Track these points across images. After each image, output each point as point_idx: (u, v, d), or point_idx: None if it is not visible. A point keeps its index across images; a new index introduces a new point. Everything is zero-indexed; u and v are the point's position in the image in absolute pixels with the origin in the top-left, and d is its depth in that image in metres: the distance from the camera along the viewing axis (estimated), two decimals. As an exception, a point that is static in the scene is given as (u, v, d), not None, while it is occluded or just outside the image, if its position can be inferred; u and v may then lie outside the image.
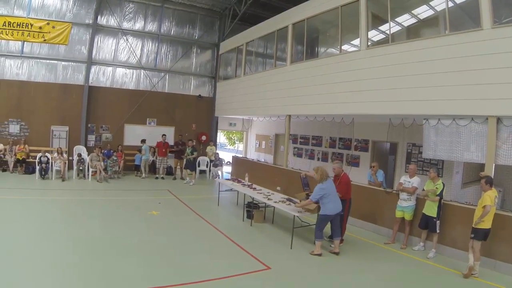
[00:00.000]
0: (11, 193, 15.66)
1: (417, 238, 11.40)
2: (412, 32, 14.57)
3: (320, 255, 10.27)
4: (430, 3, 13.29)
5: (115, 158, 21.13)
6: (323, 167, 10.69)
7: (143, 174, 22.29)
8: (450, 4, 11.64)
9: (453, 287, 8.77)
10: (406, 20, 14.58)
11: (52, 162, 19.53)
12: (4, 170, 20.31)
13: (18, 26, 20.61)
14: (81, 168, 20.29)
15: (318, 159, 21.77)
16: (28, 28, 20.77)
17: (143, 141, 22.52)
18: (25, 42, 21.18)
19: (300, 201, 11.59)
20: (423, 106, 11.78)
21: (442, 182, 10.71)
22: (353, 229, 12.88)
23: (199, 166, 23.43)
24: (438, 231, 10.53)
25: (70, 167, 20.75)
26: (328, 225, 10.72)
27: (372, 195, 13.19)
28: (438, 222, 10.51)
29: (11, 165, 20.22)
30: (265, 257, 9.80)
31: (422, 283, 8.92)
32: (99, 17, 22.66)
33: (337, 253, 10.50)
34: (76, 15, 22.09)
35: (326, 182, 10.36)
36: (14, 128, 21.33)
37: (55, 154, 19.73)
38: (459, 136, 11.37)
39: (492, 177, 9.71)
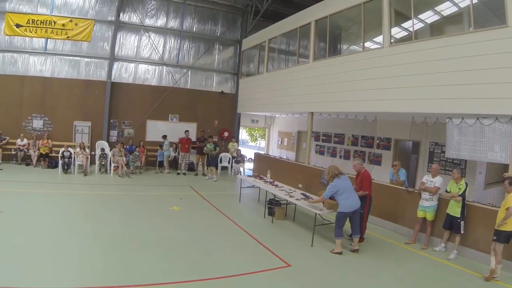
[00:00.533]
0: (34, 187, 15.83)
1: (438, 239, 11.24)
2: (435, 29, 14.42)
3: (340, 253, 10.23)
4: (454, -1, 13.16)
5: (137, 154, 21.27)
6: (333, 166, 10.70)
7: (166, 170, 22.47)
8: (474, 0, 11.48)
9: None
10: (429, 17, 14.44)
11: (74, 157, 19.70)
12: (27, 164, 20.61)
13: (42, 24, 20.93)
14: (103, 163, 20.44)
15: (340, 156, 21.67)
16: (51, 25, 21.08)
17: (164, 136, 22.61)
18: (49, 39, 21.48)
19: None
20: (446, 104, 11.61)
21: (465, 182, 10.54)
22: (374, 228, 12.80)
23: (221, 162, 23.52)
24: (462, 232, 10.37)
25: (92, 162, 21.04)
26: (348, 224, 10.65)
27: (393, 194, 13.07)
28: (462, 222, 10.35)
29: (34, 160, 20.48)
30: (286, 255, 9.80)
31: (442, 285, 8.82)
32: (121, 14, 22.83)
33: (356, 251, 10.48)
34: (99, 12, 22.32)
35: (337, 180, 10.32)
36: (37, 123, 21.63)
37: (78, 149, 19.96)
38: (483, 135, 11.23)
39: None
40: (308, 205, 11.38)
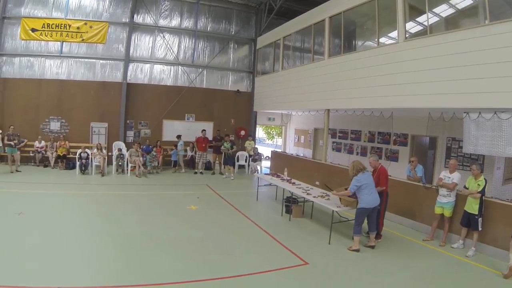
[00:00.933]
0: (53, 188, 16.02)
1: (456, 236, 11.14)
2: (450, 23, 14.29)
3: (358, 250, 10.23)
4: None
5: (154, 154, 21.36)
6: (357, 161, 10.67)
7: (182, 169, 22.57)
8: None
9: None
10: (444, 10, 14.29)
11: (91, 158, 19.93)
12: (45, 166, 20.79)
13: (57, 27, 21.14)
14: (120, 163, 20.58)
15: (357, 153, 21.62)
16: (66, 28, 21.27)
17: (179, 136, 22.80)
18: (64, 42, 21.69)
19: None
20: (463, 99, 11.48)
21: (485, 179, 10.42)
22: (391, 225, 12.73)
23: (238, 161, 23.57)
24: (480, 229, 10.25)
25: (109, 163, 21.14)
26: (365, 221, 10.61)
27: (411, 191, 12.97)
28: (480, 219, 10.23)
29: (52, 161, 20.69)
30: (303, 252, 9.81)
31: (460, 282, 8.75)
32: (135, 16, 22.93)
33: (372, 247, 10.49)
34: (113, 15, 22.48)
35: (361, 175, 10.30)
36: (54, 125, 21.85)
37: (95, 150, 20.10)
38: (501, 130, 11.10)
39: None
40: (330, 204, 11.32)
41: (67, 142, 21.33)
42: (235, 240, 10.74)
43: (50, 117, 21.76)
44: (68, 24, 21.27)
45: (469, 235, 10.69)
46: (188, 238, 10.52)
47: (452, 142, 16.00)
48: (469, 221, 10.48)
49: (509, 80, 10.22)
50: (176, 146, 22.68)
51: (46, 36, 21.00)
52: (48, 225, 10.75)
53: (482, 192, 10.25)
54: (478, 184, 10.35)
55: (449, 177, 11.15)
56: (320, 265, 9.19)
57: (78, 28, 21.44)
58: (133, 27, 22.93)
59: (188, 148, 23.45)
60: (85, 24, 21.59)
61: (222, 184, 19.68)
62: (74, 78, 22.05)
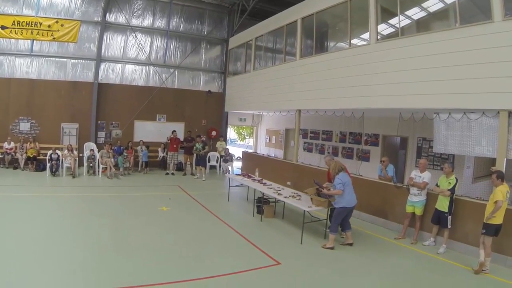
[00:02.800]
0: (22, 191, 15.79)
1: (427, 234, 11.32)
2: (422, 26, 14.50)
3: (332, 248, 10.33)
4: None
5: (125, 155, 21.23)
6: (339, 161, 10.91)
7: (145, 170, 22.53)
8: (460, -4, 11.58)
9: (464, 283, 8.72)
10: (416, 13, 14.51)
11: (62, 159, 19.65)
12: (15, 168, 20.43)
13: (27, 25, 20.71)
14: (91, 165, 20.38)
15: (329, 153, 21.69)
16: (37, 26, 20.88)
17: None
18: (35, 41, 21.30)
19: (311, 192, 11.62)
20: (433, 100, 11.70)
21: (456, 178, 10.63)
22: (364, 224, 12.87)
23: (209, 161, 23.56)
24: (449, 226, 10.47)
25: (81, 164, 20.91)
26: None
27: (382, 190, 13.12)
28: (449, 217, 10.44)
29: (22, 163, 20.33)
30: (276, 253, 9.82)
31: (432, 279, 8.86)
32: (107, 15, 22.72)
33: (351, 244, 10.63)
34: (85, 13, 22.17)
35: (342, 174, 10.47)
36: (24, 126, 21.46)
37: (66, 151, 19.86)
38: (470, 130, 11.30)
39: (504, 172, 9.64)
40: (301, 204, 11.37)
41: (37, 143, 21.02)
42: (207, 241, 10.71)
43: (20, 117, 21.37)
44: (39, 22, 20.90)
45: (440, 232, 10.87)
46: (160, 240, 10.47)
47: (422, 142, 16.17)
48: (439, 219, 10.69)
49: (477, 82, 10.49)
50: (147, 147, 22.63)
51: (16, 34, 20.60)
52: (16, 229, 10.54)
53: (452, 190, 10.45)
54: (449, 183, 10.55)
55: (420, 176, 11.34)
56: (293, 265, 9.23)
57: (49, 26, 21.08)
58: (105, 26, 22.71)
59: (159, 149, 23.39)
60: (57, 22, 21.24)
61: (193, 185, 19.65)
62: (45, 78, 21.73)
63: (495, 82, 10.09)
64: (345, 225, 10.76)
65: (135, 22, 23.72)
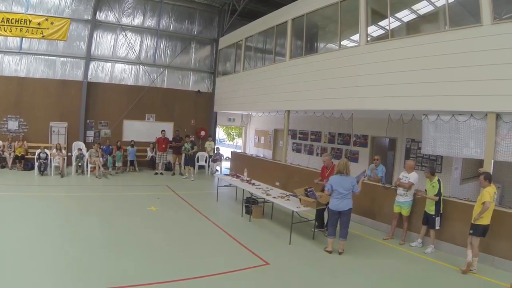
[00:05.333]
0: (10, 190, 15.72)
1: (415, 234, 11.42)
2: (411, 28, 14.57)
3: (330, 252, 10.31)
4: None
5: (119, 154, 21.46)
6: (345, 161, 10.60)
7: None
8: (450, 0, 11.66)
9: (451, 283, 8.80)
10: (406, 15, 14.57)
11: (51, 158, 19.56)
12: (3, 167, 20.28)
13: (17, 22, 20.54)
14: (80, 164, 20.26)
15: (317, 154, 21.78)
16: (26, 24, 20.71)
17: (132, 145, 22.67)
18: (24, 38, 21.14)
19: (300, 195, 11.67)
20: (422, 101, 11.79)
21: (438, 180, 10.74)
22: (352, 225, 12.80)
23: (198, 161, 23.53)
24: (437, 227, 10.57)
25: (69, 163, 20.80)
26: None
27: (371, 191, 13.15)
28: (437, 218, 10.54)
29: (10, 162, 20.18)
30: (264, 253, 9.83)
31: (420, 279, 8.95)
32: (97, 13, 22.60)
33: (330, 252, 10.38)
34: (75, 11, 22.02)
35: (334, 176, 10.45)
36: (12, 125, 21.31)
37: (54, 150, 19.78)
38: (458, 132, 11.39)
39: (491, 173, 9.73)
40: (290, 204, 11.41)
41: (25, 142, 20.88)
42: (196, 242, 10.71)
43: (8, 116, 21.22)
44: (29, 20, 20.73)
45: (428, 233, 10.94)
46: (148, 240, 10.44)
47: (411, 143, 16.28)
48: (427, 220, 10.80)
49: (466, 84, 10.60)
50: (133, 146, 22.58)
51: (5, 31, 20.43)
52: (3, 229, 10.44)
53: (438, 194, 10.56)
54: (432, 186, 10.69)
55: (407, 177, 11.46)
56: (281, 265, 9.27)
57: (38, 24, 20.93)
58: (95, 25, 22.58)
59: (148, 149, 23.39)
60: (46, 20, 21.09)
61: (182, 184, 19.66)
62: (34, 76, 21.57)
63: (484, 84, 10.20)
64: (340, 231, 10.40)
65: (125, 21, 23.65)
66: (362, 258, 10.15)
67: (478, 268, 9.22)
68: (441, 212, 10.62)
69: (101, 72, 23.44)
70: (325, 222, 11.70)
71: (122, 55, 23.96)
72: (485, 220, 9.05)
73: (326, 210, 11.26)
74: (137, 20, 24.09)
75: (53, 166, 19.52)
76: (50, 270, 7.86)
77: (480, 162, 11.31)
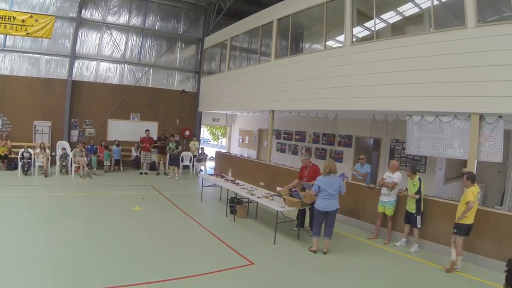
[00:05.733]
0: (-7, 189, 15.53)
1: (400, 233, 11.54)
2: (397, 29, 14.67)
3: (314, 252, 10.37)
4: (416, 0, 13.38)
5: (108, 153, 21.54)
6: (332, 162, 10.67)
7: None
8: (435, 2, 11.77)
9: (436, 282, 8.88)
10: (391, 17, 14.66)
11: (34, 158, 19.34)
12: (-15, 167, 20.06)
13: (0, 19, 20.20)
14: (64, 163, 20.10)
15: (305, 153, 21.77)
16: (10, 21, 20.38)
17: (117, 145, 22.68)
18: (8, 36, 20.86)
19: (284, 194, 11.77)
20: (406, 102, 11.88)
21: (419, 178, 10.86)
22: (337, 224, 12.81)
23: (182, 161, 23.47)
24: (419, 226, 10.70)
25: (53, 163, 20.70)
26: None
27: (355, 191, 13.22)
28: (418, 217, 10.67)
29: (-8, 161, 19.95)
30: (249, 253, 9.86)
31: (405, 278, 9.03)
32: (83, 11, 22.45)
33: (315, 251, 10.45)
34: (60, 8, 21.82)
35: (322, 177, 10.47)
36: (-5, 124, 21.09)
37: (38, 150, 19.55)
38: (442, 132, 11.51)
39: (475, 173, 9.84)
40: (274, 204, 11.46)
41: (8, 141, 20.62)
42: (181, 242, 10.71)
43: (-9, 114, 21.08)
44: (13, 16, 20.41)
45: (412, 232, 11.08)
46: (133, 240, 10.39)
47: (395, 144, 16.37)
48: (409, 219, 10.93)
49: (450, 86, 10.73)
50: (118, 145, 22.57)
51: (-11, 28, 20.30)
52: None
53: (418, 192, 10.69)
54: (413, 184, 10.82)
55: (391, 177, 11.57)
56: (266, 265, 9.28)
57: (23, 21, 20.59)
58: (80, 23, 22.44)
59: (133, 148, 23.34)
60: (31, 17, 20.76)
61: (166, 184, 19.61)
62: (17, 74, 21.33)
63: (467, 86, 10.32)
64: (324, 230, 10.50)
65: (110, 19, 23.53)
66: (346, 257, 10.21)
67: (462, 267, 9.34)
68: (422, 210, 10.75)
69: (85, 71, 23.26)
70: (306, 222, 12.00)
71: (107, 53, 23.82)
72: (469, 220, 9.16)
73: (307, 210, 11.39)
74: (123, 19, 23.99)
75: (37, 165, 19.29)
76: (34, 271, 7.77)
77: (463, 162, 11.42)
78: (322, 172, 10.55)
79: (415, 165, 13.35)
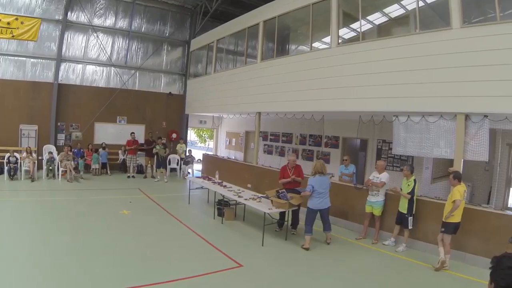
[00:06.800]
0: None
1: (388, 233, 11.61)
2: (383, 31, 14.77)
3: (307, 249, 10.56)
4: (401, 2, 13.47)
5: (96, 156, 21.44)
6: (321, 162, 11.16)
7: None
8: (421, 3, 11.87)
9: (424, 280, 8.95)
10: (377, 18, 14.77)
11: (21, 162, 19.14)
12: (-29, 171, 19.85)
13: (-15, 22, 20.15)
14: (50, 168, 19.94)
15: (292, 153, 21.83)
16: (-5, 23, 20.32)
17: (104, 148, 22.61)
18: (-8, 38, 20.73)
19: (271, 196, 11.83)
20: (393, 103, 11.94)
21: (414, 179, 10.91)
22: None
23: (169, 164, 23.40)
24: (410, 227, 10.76)
25: (40, 167, 20.49)
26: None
27: (343, 192, 13.28)
28: (410, 218, 10.73)
29: (-22, 166, 19.73)
30: (237, 255, 9.84)
31: (393, 277, 9.10)
32: (69, 13, 22.26)
33: (328, 243, 11.09)
34: (46, 11, 21.61)
35: (315, 177, 10.82)
36: (-20, 128, 20.84)
37: (24, 154, 19.36)
38: (429, 132, 11.62)
39: (461, 172, 9.93)
40: (262, 206, 11.51)
41: (-6, 145, 20.50)
42: (169, 245, 10.69)
43: (-24, 118, 20.85)
44: (-2, 19, 20.39)
45: (401, 232, 11.14)
46: (120, 244, 10.35)
47: (382, 144, 16.48)
48: (401, 220, 10.99)
49: (436, 86, 10.83)
50: (104, 148, 22.55)
51: (-27, 31, 20.09)
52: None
53: (412, 193, 10.73)
54: (408, 184, 10.87)
55: (378, 177, 11.65)
56: (255, 267, 9.29)
57: (8, 23, 20.41)
58: (66, 25, 22.27)
59: (120, 152, 23.23)
60: (16, 19, 20.57)
61: (154, 187, 19.56)
62: (3, 77, 21.07)
63: (453, 86, 10.43)
64: (324, 225, 11.16)
65: (97, 21, 23.38)
66: (335, 258, 10.26)
67: (450, 265, 9.42)
68: (414, 212, 10.79)
69: (72, 74, 23.10)
70: (285, 222, 12.20)
71: (94, 56, 23.67)
72: (456, 218, 9.28)
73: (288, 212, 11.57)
74: (109, 21, 23.86)
75: (23, 170, 19.09)
76: (19, 276, 7.73)
77: (450, 162, 11.50)
78: (314, 173, 10.85)
79: (413, 165, 13.48)
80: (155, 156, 21.40)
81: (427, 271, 9.38)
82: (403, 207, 10.88)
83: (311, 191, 10.66)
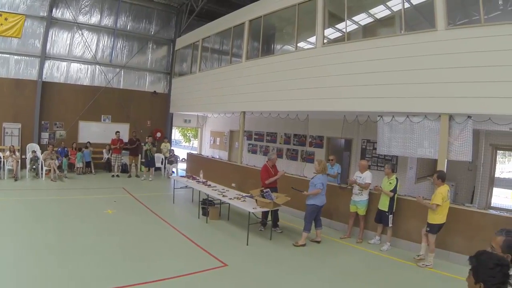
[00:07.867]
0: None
1: (372, 232, 11.72)
2: (368, 31, 14.82)
3: (304, 245, 10.80)
4: (387, 3, 13.53)
5: (81, 154, 21.38)
6: (325, 161, 11.61)
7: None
8: (406, 5, 11.94)
9: (408, 279, 9.05)
10: (363, 19, 14.81)
11: (4, 161, 18.93)
12: (-47, 170, 19.60)
13: (-32, 18, 19.93)
14: (34, 167, 19.78)
15: (273, 152, 21.85)
16: (-22, 20, 20.10)
17: (86, 147, 22.49)
18: (-24, 35, 20.49)
19: (257, 194, 11.84)
20: (378, 103, 12.01)
21: (396, 178, 11.07)
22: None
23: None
24: (390, 225, 10.89)
25: (23, 166, 20.24)
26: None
27: (327, 191, 13.17)
28: (390, 216, 10.85)
29: (-40, 165, 19.49)
30: (222, 254, 9.86)
31: (377, 276, 9.17)
32: (54, 10, 22.03)
33: (318, 242, 11.28)
34: (30, 7, 21.36)
35: (323, 175, 11.29)
36: (-37, 126, 20.63)
37: (7, 153, 19.12)
38: (413, 132, 11.71)
39: (445, 172, 10.03)
40: (242, 204, 11.63)
41: (-24, 143, 20.27)
42: (153, 244, 10.67)
43: (-41, 116, 20.61)
44: (-19, 15, 20.13)
45: (384, 231, 11.27)
46: (105, 243, 10.30)
47: (366, 144, 16.56)
48: (381, 218, 11.13)
49: (420, 87, 10.93)
50: (87, 147, 22.43)
51: (-44, 27, 19.83)
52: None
53: (394, 190, 10.88)
54: (390, 183, 11.02)
55: (361, 177, 11.74)
56: (239, 266, 9.33)
57: (-9, 19, 20.39)
58: (51, 22, 22.04)
59: (104, 151, 23.10)
60: (0, 15, 20.42)
61: (138, 187, 19.49)
62: (-14, 75, 20.99)
63: (437, 87, 10.52)
64: (317, 222, 11.38)
65: (82, 19, 23.17)
66: (320, 256, 10.34)
67: (434, 263, 9.55)
68: (394, 210, 10.91)
69: (56, 72, 22.91)
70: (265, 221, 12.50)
71: (78, 54, 23.49)
72: (441, 219, 9.43)
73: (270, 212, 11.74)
74: (94, 19, 23.68)
75: (6, 169, 18.91)
76: (2, 277, 7.67)
77: (434, 162, 11.59)
78: (320, 171, 11.24)
79: (395, 164, 13.53)
80: (140, 155, 21.32)
81: (410, 269, 9.50)
82: (383, 204, 11.01)
83: (321, 188, 10.97)
